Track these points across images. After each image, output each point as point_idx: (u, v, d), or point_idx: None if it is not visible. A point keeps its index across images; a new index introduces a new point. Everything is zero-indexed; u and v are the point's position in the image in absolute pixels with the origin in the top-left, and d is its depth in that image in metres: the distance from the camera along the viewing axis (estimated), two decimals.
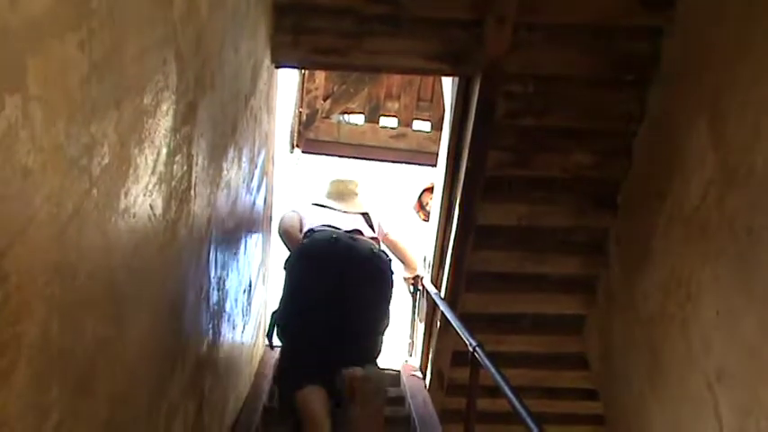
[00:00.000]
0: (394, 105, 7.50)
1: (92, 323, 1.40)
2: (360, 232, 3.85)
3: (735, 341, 2.97)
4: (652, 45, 3.94)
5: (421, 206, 5.73)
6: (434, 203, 5.10)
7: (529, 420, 2.48)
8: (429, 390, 5.02)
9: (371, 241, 3.85)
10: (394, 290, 3.81)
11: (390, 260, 3.88)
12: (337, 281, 3.54)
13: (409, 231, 5.32)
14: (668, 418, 3.53)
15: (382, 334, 3.73)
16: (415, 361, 5.66)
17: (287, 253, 3.85)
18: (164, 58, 1.80)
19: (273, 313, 3.81)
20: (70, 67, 1.21)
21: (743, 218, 2.93)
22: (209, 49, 2.34)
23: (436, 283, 5.09)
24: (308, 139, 7.44)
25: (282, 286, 3.76)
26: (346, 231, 3.79)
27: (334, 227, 3.81)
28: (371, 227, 4.11)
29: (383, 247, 4.13)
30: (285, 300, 3.70)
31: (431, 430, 4.17)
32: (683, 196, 3.48)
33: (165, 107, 1.83)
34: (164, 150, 1.84)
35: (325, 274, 3.56)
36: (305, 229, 3.89)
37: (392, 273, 3.80)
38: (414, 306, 5.89)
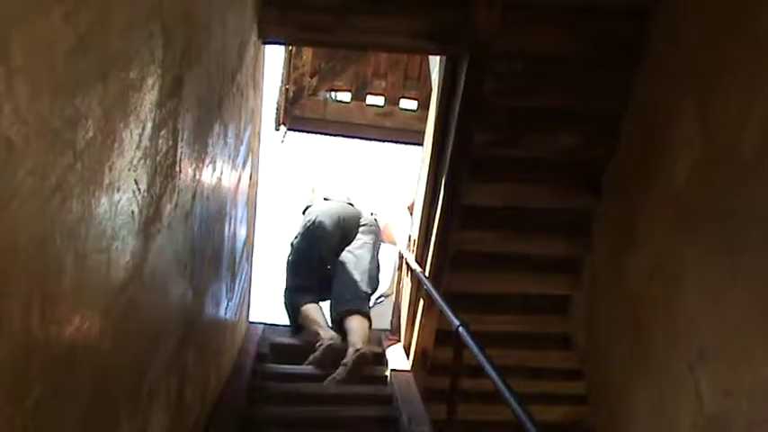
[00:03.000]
0: (381, 84, 7.48)
1: (74, 298, 1.39)
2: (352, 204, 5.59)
3: (718, 322, 2.99)
4: (640, 26, 3.93)
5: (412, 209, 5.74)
6: (419, 183, 5.10)
7: (512, 400, 2.49)
8: (413, 369, 5.03)
9: (360, 210, 5.57)
10: (377, 243, 5.59)
11: (376, 221, 5.71)
12: (338, 237, 5.31)
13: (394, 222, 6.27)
14: (651, 398, 3.55)
15: (370, 276, 5.34)
16: (399, 341, 5.66)
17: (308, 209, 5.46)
18: (150, 32, 1.78)
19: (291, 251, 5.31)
20: (55, 38, 1.19)
21: (728, 199, 2.94)
22: (196, 23, 2.32)
23: (421, 261, 5.10)
24: (295, 116, 7.41)
25: (301, 233, 5.28)
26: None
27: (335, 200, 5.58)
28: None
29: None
30: (300, 245, 5.23)
31: (414, 409, 4.18)
32: (668, 177, 3.49)
33: (150, 81, 1.81)
34: (149, 125, 1.82)
35: (331, 232, 5.24)
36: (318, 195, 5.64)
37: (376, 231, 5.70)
38: (398, 283, 5.90)
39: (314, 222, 5.19)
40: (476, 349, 3.05)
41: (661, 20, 3.79)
